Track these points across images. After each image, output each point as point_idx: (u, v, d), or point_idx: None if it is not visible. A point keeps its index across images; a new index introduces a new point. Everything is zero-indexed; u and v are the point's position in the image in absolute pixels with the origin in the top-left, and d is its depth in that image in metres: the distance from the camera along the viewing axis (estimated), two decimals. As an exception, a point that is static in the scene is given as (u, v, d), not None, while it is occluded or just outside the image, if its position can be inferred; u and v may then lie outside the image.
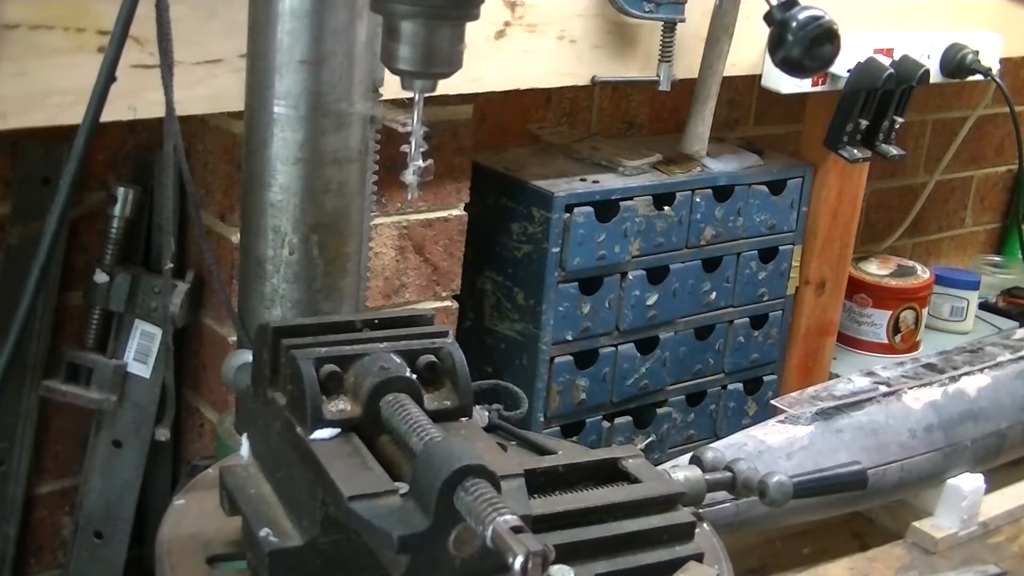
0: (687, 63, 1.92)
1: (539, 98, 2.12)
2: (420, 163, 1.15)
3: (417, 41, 1.08)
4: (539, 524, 0.90)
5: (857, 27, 2.02)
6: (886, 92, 2.05)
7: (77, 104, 1.23)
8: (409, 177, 1.15)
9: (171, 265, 1.36)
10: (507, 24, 1.70)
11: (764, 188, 2.10)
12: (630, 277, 1.95)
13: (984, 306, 2.80)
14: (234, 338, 1.63)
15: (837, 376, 1.97)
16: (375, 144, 1.32)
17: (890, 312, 2.50)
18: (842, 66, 1.95)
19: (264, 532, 0.68)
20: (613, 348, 1.97)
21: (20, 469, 1.75)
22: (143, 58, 1.35)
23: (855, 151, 2.08)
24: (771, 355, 2.23)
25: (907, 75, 2.05)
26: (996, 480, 1.69)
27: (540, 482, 1.03)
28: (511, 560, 0.77)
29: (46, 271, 1.30)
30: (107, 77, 1.20)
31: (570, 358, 1.92)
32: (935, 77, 2.19)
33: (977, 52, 2.23)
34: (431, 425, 0.92)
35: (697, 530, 1.05)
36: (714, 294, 2.08)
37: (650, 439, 2.06)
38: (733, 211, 2.05)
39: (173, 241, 1.38)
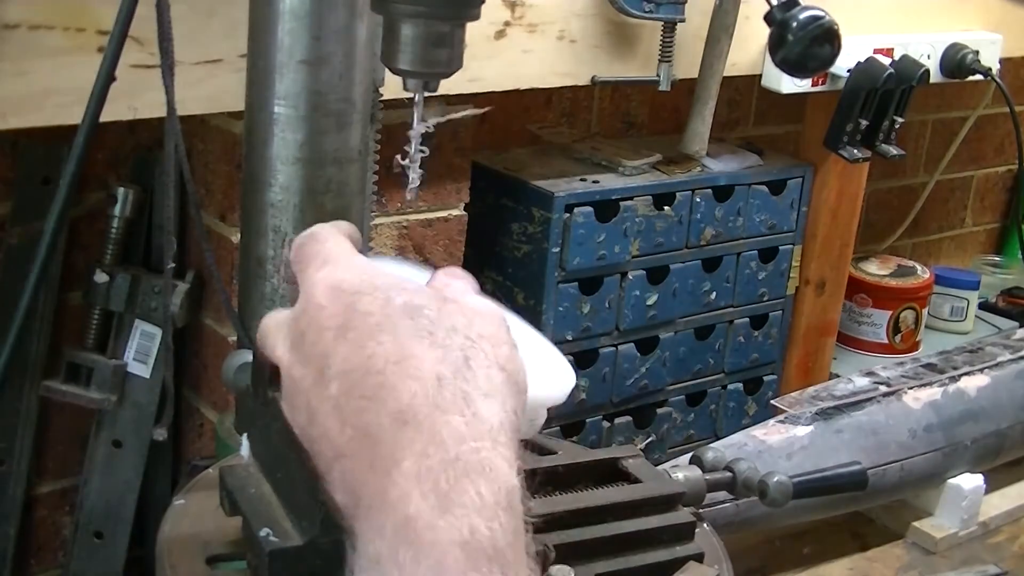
0: (687, 63, 1.92)
1: (539, 98, 2.12)
2: (420, 165, 1.16)
3: (417, 41, 1.08)
4: (539, 524, 0.90)
5: (857, 27, 2.02)
6: (886, 92, 2.04)
7: (77, 104, 1.23)
8: (411, 175, 1.15)
9: (172, 265, 1.36)
10: (507, 24, 1.70)
11: (764, 188, 2.10)
12: (630, 277, 1.95)
13: (984, 306, 2.79)
14: (234, 338, 1.63)
15: (837, 376, 1.97)
16: (375, 144, 1.32)
17: (890, 312, 2.49)
18: (842, 66, 1.95)
19: (264, 532, 0.68)
20: (613, 348, 1.97)
21: (20, 469, 1.74)
22: (143, 58, 1.35)
23: (855, 151, 2.08)
24: (771, 355, 2.23)
25: (907, 75, 2.05)
26: (996, 480, 1.68)
27: (540, 482, 1.03)
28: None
29: (46, 271, 1.31)
30: (107, 77, 1.20)
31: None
32: (935, 77, 2.19)
33: (977, 52, 2.23)
34: (431, 425, 0.92)
35: (697, 530, 1.05)
36: (714, 294, 2.08)
37: (650, 439, 2.06)
38: (733, 211, 2.05)
39: (174, 241, 1.38)
